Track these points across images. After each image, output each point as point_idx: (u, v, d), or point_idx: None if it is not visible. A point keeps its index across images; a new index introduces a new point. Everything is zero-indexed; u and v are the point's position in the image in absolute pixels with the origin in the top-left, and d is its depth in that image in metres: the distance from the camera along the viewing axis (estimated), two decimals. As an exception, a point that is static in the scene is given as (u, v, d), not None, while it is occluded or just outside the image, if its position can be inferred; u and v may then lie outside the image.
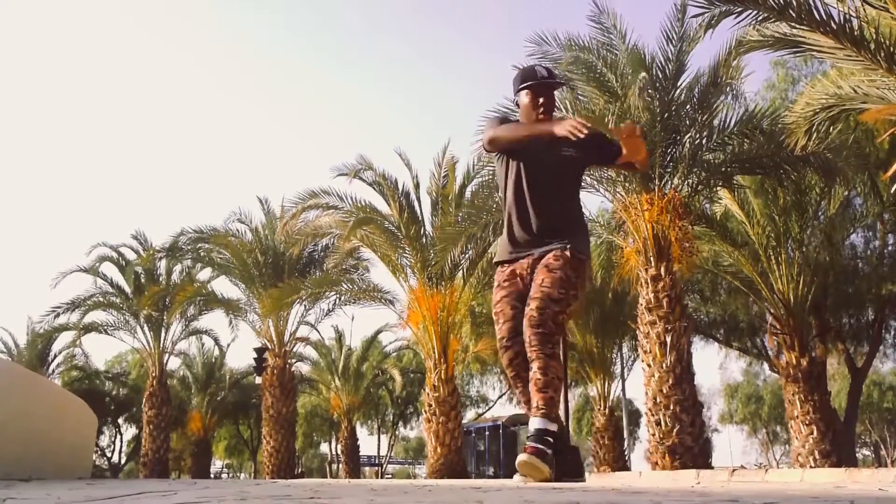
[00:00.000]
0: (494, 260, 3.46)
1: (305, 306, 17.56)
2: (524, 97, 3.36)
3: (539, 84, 3.32)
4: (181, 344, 22.99)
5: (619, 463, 16.38)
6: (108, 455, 33.84)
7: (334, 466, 35.01)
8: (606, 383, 17.10)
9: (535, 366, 3.03)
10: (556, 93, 3.49)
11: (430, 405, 13.61)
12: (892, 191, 10.47)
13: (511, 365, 3.21)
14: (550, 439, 2.97)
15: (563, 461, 3.13)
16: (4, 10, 59.37)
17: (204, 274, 20.02)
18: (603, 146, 3.44)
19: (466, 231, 11.65)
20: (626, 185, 10.15)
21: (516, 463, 2.97)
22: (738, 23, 7.23)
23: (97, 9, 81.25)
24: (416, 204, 13.99)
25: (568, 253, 3.18)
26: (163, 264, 19.95)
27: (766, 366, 21.83)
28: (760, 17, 7.07)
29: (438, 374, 13.54)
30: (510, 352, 3.20)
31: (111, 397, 30.03)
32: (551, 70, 3.51)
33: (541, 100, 3.33)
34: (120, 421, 32.51)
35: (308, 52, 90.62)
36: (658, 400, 9.37)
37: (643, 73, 9.53)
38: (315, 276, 16.79)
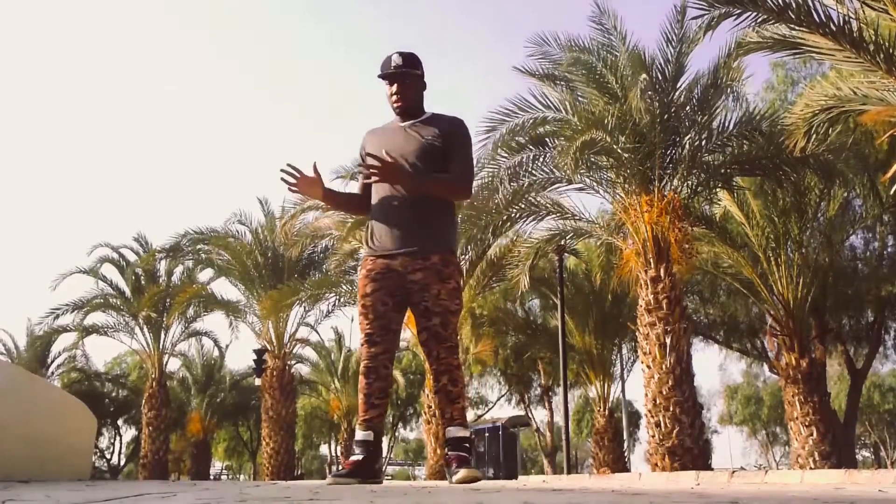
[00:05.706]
0: (366, 250, 3.27)
1: (305, 308, 17.53)
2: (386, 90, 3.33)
3: (391, 74, 3.30)
4: (181, 345, 23.01)
5: (619, 464, 16.37)
6: (108, 457, 33.83)
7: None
8: (606, 385, 17.09)
9: (445, 378, 3.12)
10: (418, 80, 3.35)
11: (429, 407, 13.61)
12: (892, 192, 10.47)
13: (375, 359, 3.13)
14: (468, 445, 3.17)
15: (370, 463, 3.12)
16: (7, 10, 59.48)
17: (204, 275, 20.00)
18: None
19: (465, 233, 11.64)
20: (626, 186, 10.16)
21: (457, 479, 2.90)
22: (738, 24, 7.25)
23: (98, 10, 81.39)
24: (415, 205, 13.96)
25: (455, 258, 3.22)
26: (163, 266, 19.90)
27: (765, 367, 21.83)
28: (760, 19, 7.09)
29: (438, 375, 13.51)
30: (378, 347, 3.14)
31: (111, 399, 30.01)
32: (410, 57, 3.34)
33: (393, 88, 3.29)
34: (119, 422, 32.51)
35: (307, 52, 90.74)
36: (658, 401, 9.37)
37: (644, 75, 9.52)
38: (314, 278, 16.79)
